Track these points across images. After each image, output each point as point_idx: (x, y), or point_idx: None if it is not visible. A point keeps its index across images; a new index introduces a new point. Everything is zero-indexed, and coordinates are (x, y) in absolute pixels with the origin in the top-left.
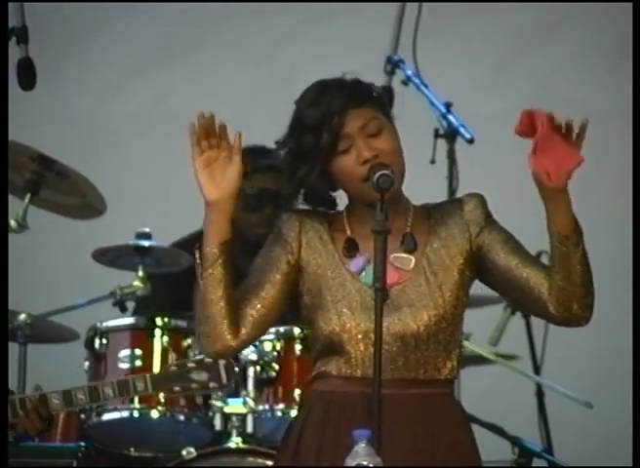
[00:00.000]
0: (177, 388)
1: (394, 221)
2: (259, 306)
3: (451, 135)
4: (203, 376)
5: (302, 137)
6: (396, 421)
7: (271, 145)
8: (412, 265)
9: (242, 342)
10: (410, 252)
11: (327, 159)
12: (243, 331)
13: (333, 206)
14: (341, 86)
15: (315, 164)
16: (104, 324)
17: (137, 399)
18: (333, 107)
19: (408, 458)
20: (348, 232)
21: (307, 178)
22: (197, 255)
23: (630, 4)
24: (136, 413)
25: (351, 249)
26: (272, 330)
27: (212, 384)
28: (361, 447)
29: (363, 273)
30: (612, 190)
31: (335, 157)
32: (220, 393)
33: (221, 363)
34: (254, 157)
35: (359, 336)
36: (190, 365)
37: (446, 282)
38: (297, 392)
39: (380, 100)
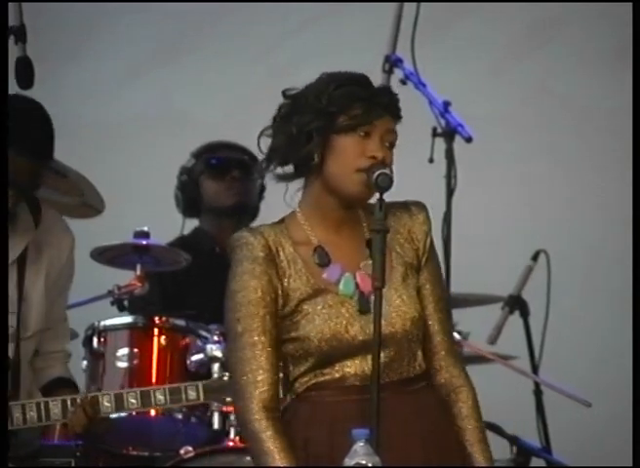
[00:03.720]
0: (229, 399)
1: (353, 229)
2: (271, 375)
3: (449, 133)
4: None
5: (338, 97)
6: (399, 422)
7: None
8: None
9: (279, 401)
10: None
11: (343, 128)
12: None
13: (305, 169)
14: (389, 90)
15: (331, 122)
16: (103, 323)
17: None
18: (381, 99)
19: (403, 457)
20: (315, 241)
21: (312, 135)
22: None
23: (629, 4)
24: (134, 412)
25: (323, 258)
26: None
27: None
28: (360, 446)
29: (341, 284)
30: (612, 189)
31: (349, 133)
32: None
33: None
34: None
35: (352, 346)
36: None
37: (412, 283)
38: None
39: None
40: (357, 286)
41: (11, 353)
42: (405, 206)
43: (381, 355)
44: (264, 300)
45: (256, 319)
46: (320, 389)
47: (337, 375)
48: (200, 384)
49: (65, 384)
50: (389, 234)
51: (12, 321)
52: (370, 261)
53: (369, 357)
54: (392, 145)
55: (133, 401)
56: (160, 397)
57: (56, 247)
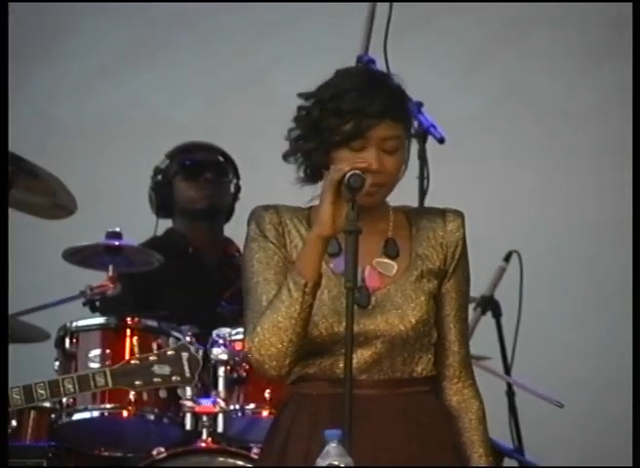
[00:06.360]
0: (138, 382)
1: (376, 225)
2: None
3: (421, 134)
4: (165, 370)
5: (328, 113)
6: (388, 421)
7: (243, 143)
8: (394, 271)
9: (290, 369)
10: (392, 257)
11: (335, 145)
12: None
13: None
14: (391, 91)
15: (323, 143)
16: (75, 323)
17: (107, 398)
18: (372, 108)
19: (401, 458)
20: None
21: (311, 153)
22: (298, 279)
23: (609, 4)
24: (106, 413)
25: (334, 247)
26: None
27: (175, 378)
28: (332, 446)
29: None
30: (587, 190)
31: (343, 147)
32: (187, 389)
33: (185, 356)
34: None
35: (342, 338)
36: (152, 358)
37: (427, 288)
38: (267, 392)
39: (411, 121)
40: (363, 280)
41: None
42: (442, 212)
43: (370, 351)
44: (272, 265)
45: (268, 273)
46: (308, 380)
47: (324, 367)
48: (108, 370)
49: None
50: (411, 237)
51: None
52: (384, 259)
53: (359, 351)
54: (394, 151)
55: (42, 392)
56: (69, 386)
57: None
